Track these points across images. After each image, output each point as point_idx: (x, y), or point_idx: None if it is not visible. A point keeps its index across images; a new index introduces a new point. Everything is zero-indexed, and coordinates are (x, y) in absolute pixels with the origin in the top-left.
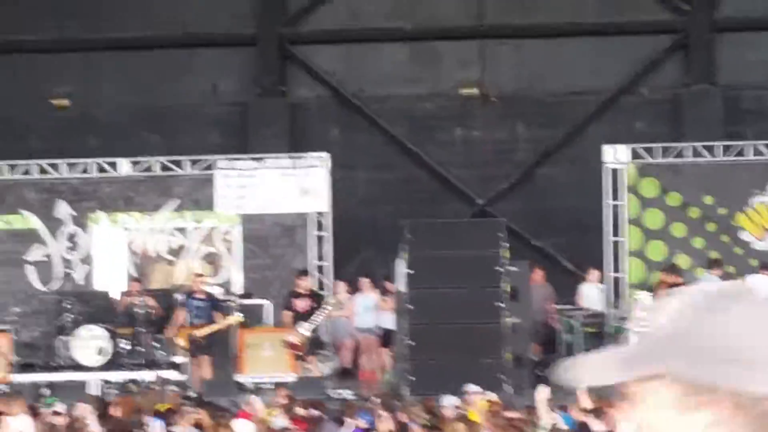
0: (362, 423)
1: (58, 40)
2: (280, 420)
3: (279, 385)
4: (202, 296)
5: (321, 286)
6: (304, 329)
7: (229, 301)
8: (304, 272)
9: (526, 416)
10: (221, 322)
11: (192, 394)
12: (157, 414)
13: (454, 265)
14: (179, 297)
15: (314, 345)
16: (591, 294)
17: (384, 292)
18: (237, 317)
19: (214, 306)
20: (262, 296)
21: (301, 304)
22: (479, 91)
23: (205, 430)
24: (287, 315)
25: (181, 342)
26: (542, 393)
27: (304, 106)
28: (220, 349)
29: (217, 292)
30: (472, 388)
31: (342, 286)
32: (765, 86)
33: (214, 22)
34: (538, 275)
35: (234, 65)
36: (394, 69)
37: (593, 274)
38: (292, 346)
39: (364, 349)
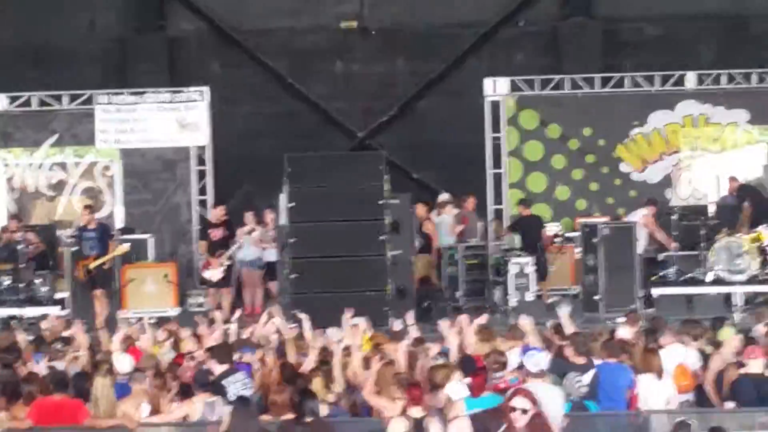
0: (246, 357)
1: None
2: (168, 354)
3: (163, 320)
4: (94, 227)
5: (202, 221)
6: (223, 259)
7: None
8: (220, 201)
9: (412, 346)
10: (111, 252)
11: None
12: (39, 350)
13: (335, 198)
14: (68, 232)
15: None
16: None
17: (259, 222)
18: (124, 247)
19: (107, 235)
20: (143, 231)
21: (216, 234)
22: (359, 25)
23: (89, 365)
24: (202, 245)
25: (79, 274)
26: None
27: (184, 40)
28: (106, 284)
29: None
30: (356, 320)
31: (250, 217)
32: (643, 18)
33: None
34: (471, 204)
35: (111, 0)
36: (274, 2)
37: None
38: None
39: (248, 284)
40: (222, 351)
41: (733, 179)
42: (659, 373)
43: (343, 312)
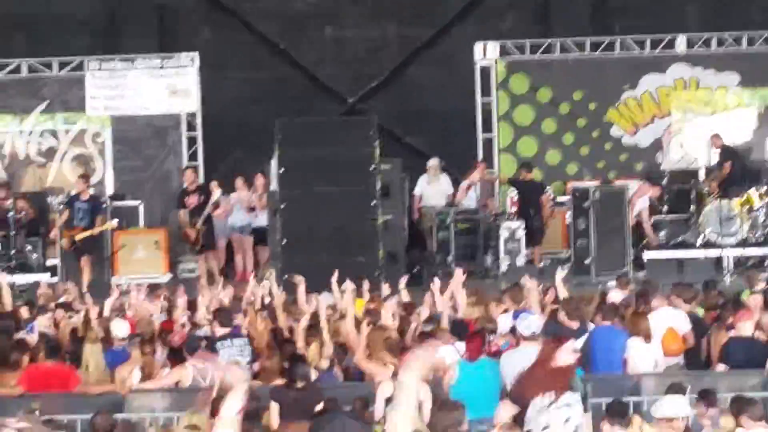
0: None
1: None
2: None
3: (154, 286)
4: (87, 198)
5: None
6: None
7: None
8: (188, 168)
9: (402, 311)
10: (98, 227)
11: (68, 297)
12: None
13: (326, 163)
14: (63, 198)
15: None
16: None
17: (250, 187)
18: (112, 223)
19: (97, 209)
20: (134, 198)
21: (192, 201)
22: None
23: (80, 332)
24: (181, 213)
25: (64, 243)
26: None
27: (174, 6)
28: (95, 251)
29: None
30: (347, 285)
31: (215, 185)
32: None
33: None
34: (481, 170)
35: None
36: None
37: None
38: (188, 240)
39: (238, 249)
40: (224, 314)
41: (716, 136)
42: (647, 337)
43: (335, 277)
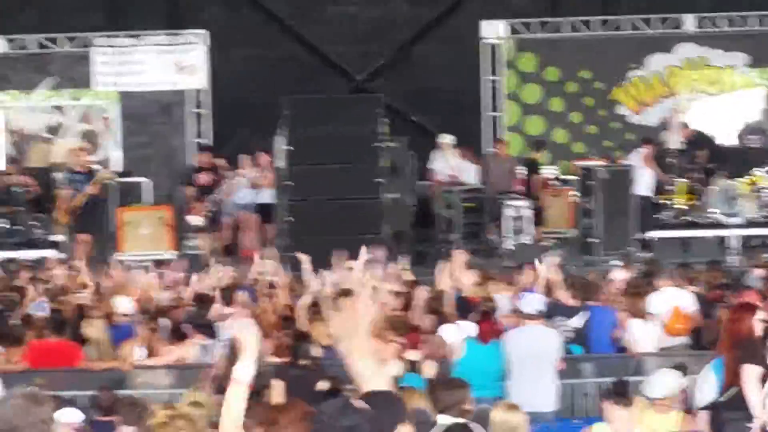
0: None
1: None
2: (165, 295)
3: (159, 263)
4: (83, 170)
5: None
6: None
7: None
8: (207, 147)
9: (408, 289)
10: (92, 187)
11: (73, 273)
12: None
13: (332, 141)
14: (61, 175)
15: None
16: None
17: (256, 164)
18: (105, 173)
19: (92, 179)
20: (141, 174)
21: (202, 179)
22: None
23: (85, 308)
24: (189, 190)
25: (64, 219)
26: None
27: None
28: (98, 227)
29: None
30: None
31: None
32: None
33: None
34: (501, 149)
35: None
36: None
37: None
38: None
39: (244, 226)
40: (228, 293)
41: (684, 126)
42: (645, 317)
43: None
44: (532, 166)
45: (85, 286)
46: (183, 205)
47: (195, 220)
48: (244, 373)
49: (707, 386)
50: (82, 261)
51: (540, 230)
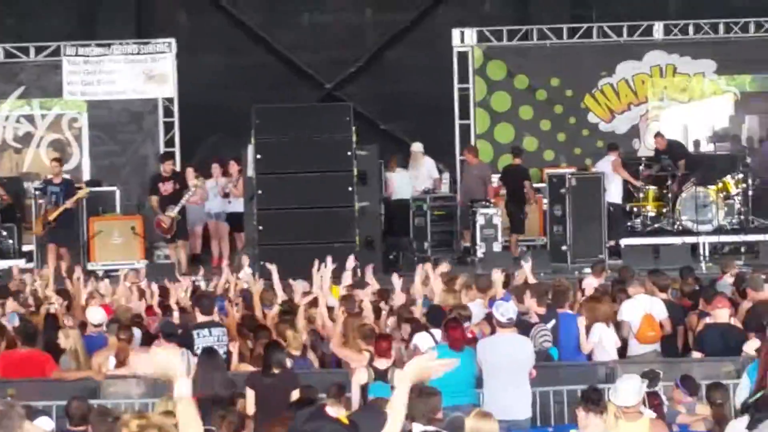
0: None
1: None
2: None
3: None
4: (59, 181)
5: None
6: (172, 210)
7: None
8: (168, 155)
9: (378, 298)
10: (70, 201)
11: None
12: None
13: (303, 149)
14: (33, 185)
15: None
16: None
17: (225, 173)
18: (84, 190)
19: (70, 192)
20: (110, 183)
21: (166, 188)
22: None
23: (57, 318)
24: (153, 199)
25: (39, 230)
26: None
27: None
28: (70, 238)
29: None
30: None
31: (191, 172)
32: None
33: None
34: (471, 157)
35: None
36: None
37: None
38: (161, 228)
39: (214, 235)
40: (206, 302)
41: (659, 135)
42: (606, 321)
43: (313, 264)
44: (523, 173)
45: (51, 296)
46: (151, 216)
47: (161, 230)
48: (182, 390)
49: (742, 390)
50: (50, 271)
51: (513, 237)
